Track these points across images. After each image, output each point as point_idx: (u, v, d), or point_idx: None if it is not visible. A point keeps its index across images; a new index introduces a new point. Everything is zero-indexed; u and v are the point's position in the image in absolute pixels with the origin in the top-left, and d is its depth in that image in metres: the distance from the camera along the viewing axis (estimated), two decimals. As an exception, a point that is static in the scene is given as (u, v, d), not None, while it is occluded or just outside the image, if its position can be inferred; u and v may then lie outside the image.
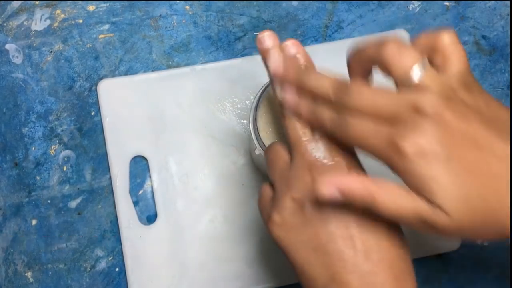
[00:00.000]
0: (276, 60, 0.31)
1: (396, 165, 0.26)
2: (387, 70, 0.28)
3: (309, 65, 0.32)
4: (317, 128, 0.30)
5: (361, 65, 0.30)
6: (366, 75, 0.31)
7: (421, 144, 0.25)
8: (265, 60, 0.32)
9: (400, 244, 0.29)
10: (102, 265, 0.46)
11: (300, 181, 0.30)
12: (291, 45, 0.32)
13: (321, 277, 0.29)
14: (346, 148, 0.30)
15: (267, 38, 0.32)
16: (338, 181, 0.27)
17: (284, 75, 0.31)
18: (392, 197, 0.27)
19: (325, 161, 0.29)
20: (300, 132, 0.30)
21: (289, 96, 0.30)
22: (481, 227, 0.26)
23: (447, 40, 0.28)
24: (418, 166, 0.25)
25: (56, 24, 0.50)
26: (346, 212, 0.29)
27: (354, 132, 0.27)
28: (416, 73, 0.27)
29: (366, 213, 0.28)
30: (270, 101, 0.38)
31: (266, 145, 0.36)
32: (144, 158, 0.47)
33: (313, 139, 0.30)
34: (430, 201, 0.26)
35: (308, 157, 0.30)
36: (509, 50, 0.51)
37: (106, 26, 0.50)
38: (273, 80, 0.32)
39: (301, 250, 0.30)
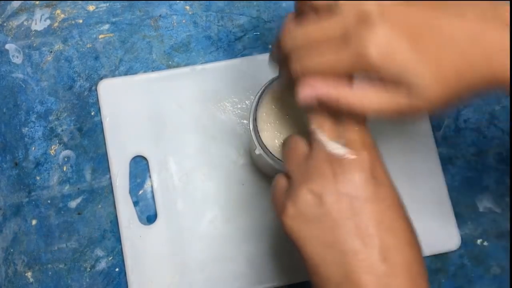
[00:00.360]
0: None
1: (373, 72, 0.27)
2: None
3: None
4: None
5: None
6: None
7: (383, 43, 0.26)
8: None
9: (417, 246, 0.29)
10: (102, 265, 0.46)
11: (319, 174, 0.29)
12: None
13: (335, 276, 0.28)
14: (369, 140, 0.30)
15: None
16: (317, 86, 0.29)
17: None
18: (373, 95, 0.28)
19: (347, 155, 0.29)
20: (322, 124, 0.30)
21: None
22: (459, 93, 0.27)
23: None
24: (390, 63, 0.26)
25: (56, 24, 0.50)
26: (366, 209, 0.28)
27: (316, 65, 0.28)
28: None
29: (386, 210, 0.28)
30: (271, 100, 0.38)
31: (266, 145, 0.36)
32: (144, 158, 0.47)
33: (334, 132, 0.30)
34: (406, 90, 0.27)
35: (330, 150, 0.29)
36: (509, 50, 0.51)
37: (106, 26, 0.50)
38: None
39: (314, 245, 0.28)
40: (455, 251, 0.47)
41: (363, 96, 0.28)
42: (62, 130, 0.48)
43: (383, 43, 0.26)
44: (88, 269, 0.46)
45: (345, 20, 0.27)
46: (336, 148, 0.29)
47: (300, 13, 0.30)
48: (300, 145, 0.31)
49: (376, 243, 0.27)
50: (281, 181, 0.32)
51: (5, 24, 0.49)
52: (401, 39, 0.26)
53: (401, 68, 0.26)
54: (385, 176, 0.29)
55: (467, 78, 0.26)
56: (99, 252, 0.46)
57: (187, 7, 0.50)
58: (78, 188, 0.47)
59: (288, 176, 0.32)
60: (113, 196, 0.46)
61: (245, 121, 0.48)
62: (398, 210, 0.29)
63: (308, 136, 0.31)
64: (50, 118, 0.48)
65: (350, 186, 0.28)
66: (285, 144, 0.33)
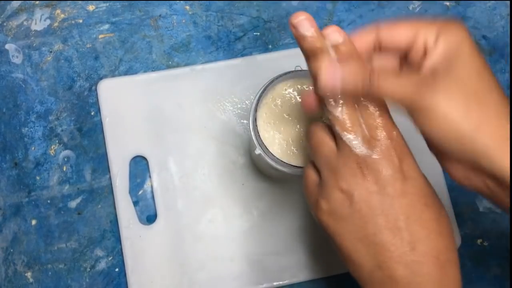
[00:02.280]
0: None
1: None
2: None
3: (355, 56, 0.31)
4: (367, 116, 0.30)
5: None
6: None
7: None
8: (301, 46, 0.31)
9: (448, 232, 0.30)
10: (102, 265, 0.46)
11: (349, 174, 0.30)
12: (333, 32, 0.30)
13: (368, 264, 0.30)
14: (394, 133, 0.30)
15: (305, 24, 0.30)
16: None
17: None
18: (391, 81, 0.29)
19: (374, 156, 0.30)
20: (348, 124, 0.30)
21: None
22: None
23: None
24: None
25: (56, 24, 0.50)
26: (395, 205, 0.29)
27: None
28: None
29: (415, 203, 0.29)
30: (271, 100, 0.38)
31: (266, 145, 0.36)
32: (144, 158, 0.47)
33: (358, 131, 0.30)
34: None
35: (357, 151, 0.30)
36: (509, 50, 0.51)
37: (106, 26, 0.50)
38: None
39: (348, 238, 0.30)
40: (455, 251, 0.47)
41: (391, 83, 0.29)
42: (62, 130, 0.48)
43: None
44: (88, 269, 0.46)
45: None
46: (362, 150, 0.30)
47: None
48: (326, 140, 0.32)
49: (405, 235, 0.29)
50: (311, 175, 0.33)
51: (5, 24, 0.49)
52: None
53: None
54: (413, 168, 0.30)
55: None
56: (99, 252, 0.46)
57: (187, 7, 0.50)
58: (78, 188, 0.47)
59: (317, 169, 0.33)
60: (113, 196, 0.46)
61: (245, 121, 0.48)
62: (426, 201, 0.30)
63: (328, 127, 0.32)
64: (50, 118, 0.48)
65: (379, 185, 0.29)
66: (310, 135, 0.33)
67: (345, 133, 0.30)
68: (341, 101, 0.30)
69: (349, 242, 0.30)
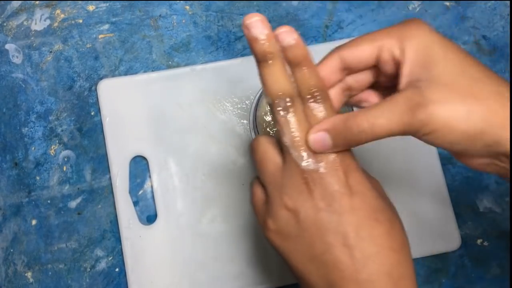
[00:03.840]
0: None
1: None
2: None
3: (305, 61, 0.29)
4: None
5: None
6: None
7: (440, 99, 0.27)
8: (253, 49, 0.29)
9: (401, 246, 0.29)
10: (102, 265, 0.46)
11: (294, 191, 0.29)
12: (286, 33, 0.29)
13: (320, 284, 0.29)
14: (343, 153, 0.29)
15: (258, 25, 0.28)
16: (323, 124, 0.28)
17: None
18: (383, 117, 0.27)
19: (321, 169, 0.29)
20: (295, 135, 0.29)
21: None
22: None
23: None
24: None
25: (56, 24, 0.50)
26: (343, 222, 0.28)
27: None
28: None
29: (364, 219, 0.28)
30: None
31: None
32: (144, 158, 0.47)
33: (306, 145, 0.29)
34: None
35: (303, 166, 0.29)
36: (509, 50, 0.51)
37: (106, 26, 0.50)
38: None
39: (298, 258, 0.29)
40: (455, 251, 0.47)
41: (376, 116, 0.27)
42: (62, 130, 0.48)
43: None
44: (88, 269, 0.46)
45: None
46: (308, 163, 0.29)
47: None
48: (271, 154, 0.30)
49: (355, 253, 0.28)
50: (258, 192, 0.32)
51: (5, 24, 0.49)
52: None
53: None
54: (360, 182, 0.29)
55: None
56: (99, 252, 0.46)
57: (187, 7, 0.50)
58: (78, 188, 0.47)
59: (263, 185, 0.31)
60: (113, 196, 0.46)
61: (245, 121, 0.48)
62: (377, 216, 0.29)
63: (274, 141, 0.31)
64: (50, 118, 0.48)
65: (325, 201, 0.28)
66: (254, 149, 0.31)
67: (292, 144, 0.29)
68: (291, 110, 0.29)
69: (299, 262, 0.29)
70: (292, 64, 0.29)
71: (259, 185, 0.32)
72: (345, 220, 0.28)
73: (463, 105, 0.26)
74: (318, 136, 0.28)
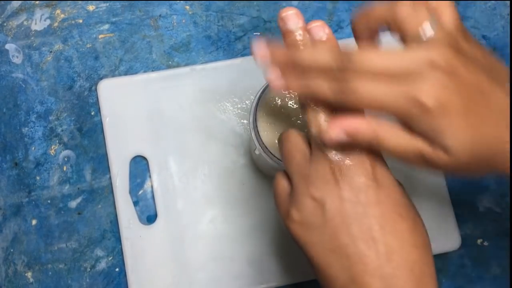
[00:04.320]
0: (259, 46, 0.30)
1: (416, 119, 0.27)
2: (399, 29, 0.28)
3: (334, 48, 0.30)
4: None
5: (368, 27, 0.30)
6: (372, 37, 0.31)
7: (443, 98, 0.26)
8: (286, 40, 0.30)
9: (423, 244, 0.29)
10: (102, 265, 0.46)
11: (321, 181, 0.29)
12: (318, 27, 0.30)
13: (341, 278, 0.28)
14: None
15: (292, 17, 0.30)
16: (345, 124, 0.28)
17: (271, 57, 0.30)
18: (395, 136, 0.28)
19: (347, 161, 0.29)
20: (321, 128, 0.29)
21: (272, 77, 0.30)
22: (477, 165, 0.28)
23: None
24: (439, 118, 0.26)
25: (56, 24, 0.50)
26: (368, 214, 0.28)
27: (364, 96, 0.27)
28: (429, 29, 0.27)
29: (389, 212, 0.28)
30: (271, 100, 0.38)
31: (266, 145, 0.36)
32: (144, 158, 0.47)
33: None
34: (433, 142, 0.27)
35: (330, 156, 0.29)
36: (509, 50, 0.51)
37: (106, 26, 0.50)
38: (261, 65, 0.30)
39: (320, 249, 0.29)
40: (455, 251, 0.47)
41: (390, 134, 0.28)
42: (62, 130, 0.48)
43: (442, 94, 0.26)
44: (88, 269, 0.46)
45: (414, 59, 0.27)
46: (335, 154, 0.29)
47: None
48: (300, 145, 0.31)
49: (379, 246, 0.28)
50: (282, 183, 0.32)
51: (5, 24, 0.49)
52: (457, 96, 0.26)
53: (443, 127, 0.26)
54: (386, 176, 0.29)
55: (487, 162, 0.28)
56: (99, 252, 0.46)
57: (187, 7, 0.50)
58: (78, 188, 0.47)
59: (288, 177, 0.32)
60: (113, 196, 0.46)
61: (245, 121, 0.48)
62: (401, 211, 0.29)
63: (306, 132, 0.31)
64: (50, 118, 0.48)
65: (352, 192, 0.28)
66: (283, 141, 0.32)
67: (321, 136, 0.29)
68: (321, 105, 0.29)
69: (321, 253, 0.29)
70: None
71: (284, 177, 0.32)
72: (370, 212, 0.28)
73: (468, 124, 0.27)
74: (337, 135, 0.28)
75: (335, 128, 0.28)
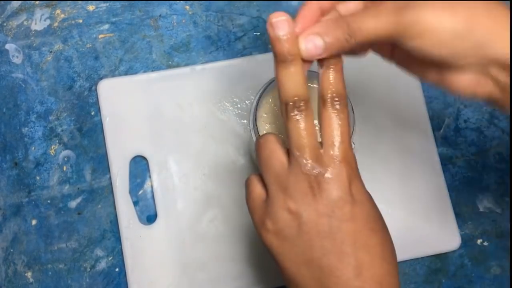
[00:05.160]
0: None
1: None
2: None
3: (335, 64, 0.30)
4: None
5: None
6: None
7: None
8: (274, 48, 0.29)
9: (390, 256, 0.30)
10: (102, 265, 0.46)
11: (299, 194, 0.29)
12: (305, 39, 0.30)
13: None
14: (349, 154, 0.29)
15: (282, 25, 0.29)
16: (315, 29, 0.29)
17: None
18: (366, 17, 0.28)
19: (327, 175, 0.29)
20: (304, 138, 0.29)
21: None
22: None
23: None
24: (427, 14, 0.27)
25: (56, 24, 0.50)
26: (343, 229, 0.29)
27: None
28: None
29: (362, 228, 0.29)
30: (271, 100, 0.38)
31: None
32: (144, 158, 0.47)
33: (315, 147, 0.29)
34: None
35: (308, 170, 0.29)
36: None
37: (106, 26, 0.50)
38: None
39: (293, 260, 0.29)
40: (455, 251, 0.47)
41: (368, 18, 0.28)
42: (62, 130, 0.48)
43: None
44: (88, 269, 0.46)
45: None
46: (314, 167, 0.29)
47: None
48: (278, 154, 0.30)
49: (351, 261, 0.28)
50: (257, 189, 0.32)
51: (5, 24, 0.49)
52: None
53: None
54: (362, 192, 0.30)
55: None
56: (99, 252, 0.46)
57: (187, 7, 0.50)
58: (78, 188, 0.47)
59: (263, 181, 0.31)
60: (113, 196, 0.46)
61: (245, 121, 0.48)
62: (373, 226, 0.29)
63: (281, 140, 0.31)
64: (50, 118, 0.48)
65: (328, 207, 0.29)
66: (261, 147, 0.31)
67: (299, 151, 0.29)
68: (303, 114, 0.29)
69: (293, 264, 0.29)
70: (321, 64, 0.30)
71: (259, 183, 0.32)
72: (344, 227, 0.29)
73: (449, 5, 0.27)
74: (310, 38, 0.29)
75: (306, 36, 0.29)
